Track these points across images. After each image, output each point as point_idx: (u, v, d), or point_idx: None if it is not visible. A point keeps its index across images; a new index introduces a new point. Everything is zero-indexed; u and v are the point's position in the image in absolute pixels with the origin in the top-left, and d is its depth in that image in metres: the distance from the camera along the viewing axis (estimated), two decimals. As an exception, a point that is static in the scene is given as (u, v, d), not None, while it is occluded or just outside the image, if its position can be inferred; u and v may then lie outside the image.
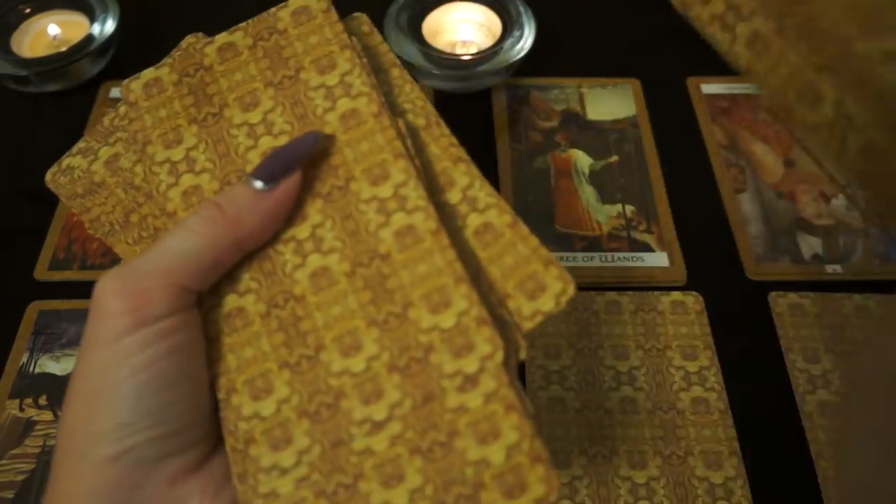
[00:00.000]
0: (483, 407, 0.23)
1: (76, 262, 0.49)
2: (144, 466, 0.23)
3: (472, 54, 0.55)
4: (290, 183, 0.25)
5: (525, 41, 0.55)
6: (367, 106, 0.27)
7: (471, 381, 0.23)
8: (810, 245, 0.50)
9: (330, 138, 0.27)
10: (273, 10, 0.30)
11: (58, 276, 0.49)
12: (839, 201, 0.52)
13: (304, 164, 0.25)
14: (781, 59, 0.23)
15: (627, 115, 0.57)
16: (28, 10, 0.59)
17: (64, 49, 0.56)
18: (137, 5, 0.59)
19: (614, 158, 0.54)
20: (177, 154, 0.28)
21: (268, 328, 0.25)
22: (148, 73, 0.29)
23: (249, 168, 0.27)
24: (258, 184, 0.24)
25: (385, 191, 0.26)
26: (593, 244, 0.50)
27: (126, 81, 0.29)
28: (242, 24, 0.30)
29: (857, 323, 0.46)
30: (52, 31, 0.59)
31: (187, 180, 0.27)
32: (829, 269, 0.49)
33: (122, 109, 0.31)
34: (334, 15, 0.29)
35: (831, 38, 0.22)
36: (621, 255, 0.50)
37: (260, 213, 0.24)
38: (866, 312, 0.47)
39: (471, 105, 0.58)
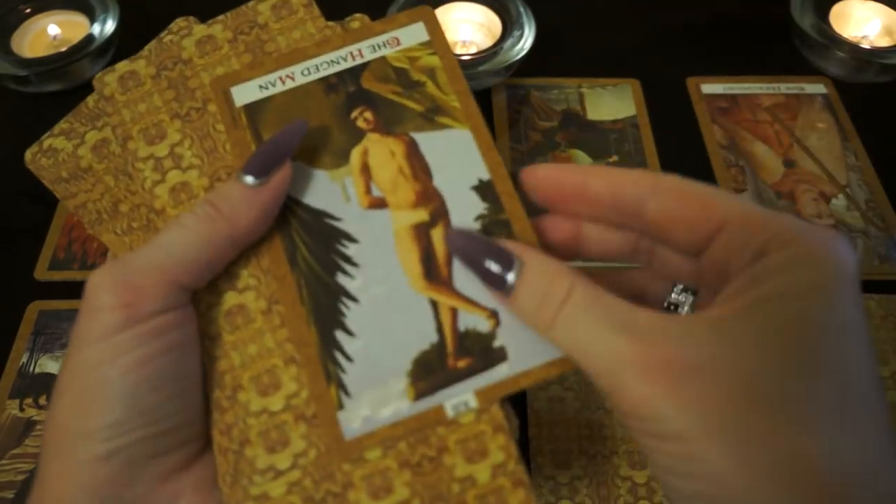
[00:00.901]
0: (473, 426, 0.23)
1: (76, 261, 0.49)
2: (136, 465, 0.22)
3: (471, 54, 0.55)
4: (281, 175, 0.24)
5: (525, 41, 0.55)
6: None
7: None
8: (810, 245, 0.50)
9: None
10: (252, 3, 0.29)
11: (58, 276, 0.49)
12: (839, 201, 0.52)
13: (293, 154, 0.25)
14: None
15: (627, 115, 0.57)
16: (28, 10, 0.59)
17: (64, 49, 0.56)
18: (137, 5, 0.59)
19: (614, 158, 0.54)
20: (161, 150, 0.27)
21: (270, 325, 0.25)
22: (123, 66, 0.28)
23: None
24: (249, 179, 0.24)
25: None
26: (593, 244, 0.50)
27: (100, 74, 0.28)
28: (221, 17, 0.29)
29: (857, 323, 0.46)
30: (52, 31, 0.58)
31: (174, 177, 0.27)
32: (829, 269, 0.49)
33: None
34: (316, 10, 0.29)
35: None
36: (621, 255, 0.50)
37: (254, 209, 0.24)
38: (866, 312, 0.47)
39: (471, 105, 0.58)
